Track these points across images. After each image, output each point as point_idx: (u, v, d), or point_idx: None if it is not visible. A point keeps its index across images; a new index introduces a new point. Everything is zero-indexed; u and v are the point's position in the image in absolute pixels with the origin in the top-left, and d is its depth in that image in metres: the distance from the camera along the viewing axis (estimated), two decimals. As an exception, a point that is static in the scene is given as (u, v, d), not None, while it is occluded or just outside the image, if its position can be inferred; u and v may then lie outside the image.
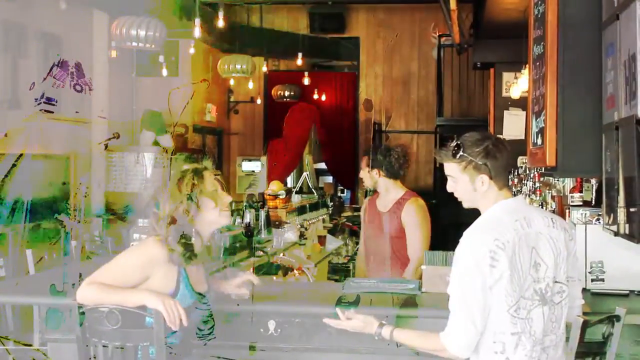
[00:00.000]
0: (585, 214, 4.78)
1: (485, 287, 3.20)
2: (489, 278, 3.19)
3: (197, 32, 8.37)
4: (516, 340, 3.23)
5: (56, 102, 10.53)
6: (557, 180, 5.91)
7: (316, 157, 16.03)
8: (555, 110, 4.58)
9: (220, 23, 9.05)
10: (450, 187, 3.53)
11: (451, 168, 3.47)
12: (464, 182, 3.44)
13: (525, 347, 3.23)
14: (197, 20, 8.28)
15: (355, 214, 13.09)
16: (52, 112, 10.36)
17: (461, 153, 3.39)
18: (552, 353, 3.31)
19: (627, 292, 4.43)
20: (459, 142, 3.42)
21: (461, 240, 3.33)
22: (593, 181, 5.30)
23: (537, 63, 5.02)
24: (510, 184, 7.12)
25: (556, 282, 3.32)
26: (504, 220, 3.32)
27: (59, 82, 10.54)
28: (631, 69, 3.77)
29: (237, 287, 4.08)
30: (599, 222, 4.56)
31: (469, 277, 3.24)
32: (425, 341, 3.41)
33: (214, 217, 3.79)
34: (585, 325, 3.36)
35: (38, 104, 10.23)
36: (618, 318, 3.57)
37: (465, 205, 3.53)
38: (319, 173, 16.39)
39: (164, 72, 10.86)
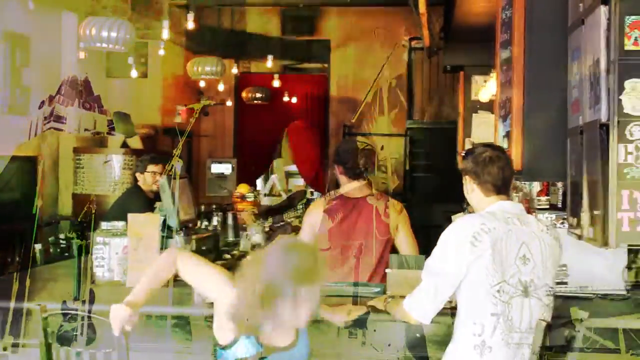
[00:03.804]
0: (551, 217, 4.80)
1: (460, 264, 3.40)
2: (469, 255, 3.38)
3: (166, 33, 8.33)
4: (494, 322, 3.37)
5: (65, 120, 10.53)
6: (524, 184, 5.93)
7: (286, 159, 16.01)
8: (521, 114, 4.60)
9: (191, 25, 9.00)
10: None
11: None
12: (464, 183, 3.74)
13: (502, 331, 3.38)
14: (166, 22, 8.24)
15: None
16: (62, 130, 10.37)
17: (462, 155, 3.70)
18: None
19: (591, 295, 4.46)
20: (466, 149, 3.84)
21: (451, 224, 3.59)
22: (560, 185, 5.32)
23: (504, 67, 5.04)
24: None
25: (546, 284, 3.51)
26: (496, 214, 3.52)
27: (68, 100, 10.54)
28: (595, 73, 3.80)
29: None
30: (564, 226, 4.58)
31: (444, 250, 3.48)
32: (397, 308, 3.64)
33: None
34: (548, 328, 3.38)
35: (47, 122, 10.23)
36: (580, 321, 3.60)
37: (472, 208, 3.81)
38: (288, 175, 16.37)
39: (134, 73, 10.79)
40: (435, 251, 3.52)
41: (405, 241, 5.27)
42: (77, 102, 11.02)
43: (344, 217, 5.28)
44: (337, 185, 5.51)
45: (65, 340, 3.59)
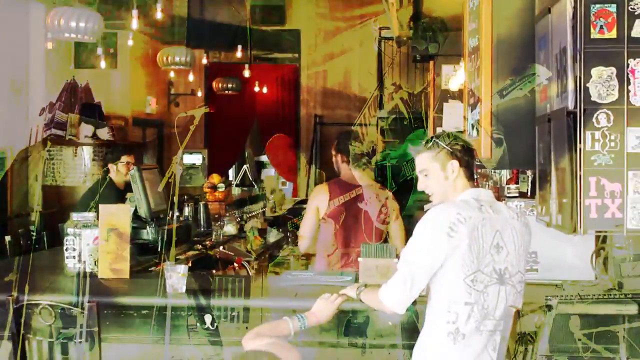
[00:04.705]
0: (520, 205, 4.82)
1: (436, 255, 3.38)
2: (446, 246, 3.35)
3: (135, 23, 8.27)
4: (469, 311, 3.38)
5: (66, 126, 10.51)
6: (494, 172, 5.97)
7: (257, 149, 15.99)
8: (489, 102, 4.62)
9: (159, 15, 8.94)
10: (421, 184, 3.69)
11: (422, 160, 3.64)
12: (435, 171, 3.60)
13: (476, 319, 3.39)
14: (135, 12, 8.19)
15: (297, 206, 13.06)
16: (63, 137, 10.37)
17: (434, 141, 3.59)
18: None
19: (560, 282, 4.49)
20: (431, 136, 3.65)
21: (426, 214, 3.51)
22: (529, 173, 5.36)
23: (472, 56, 5.06)
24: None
25: (519, 271, 3.51)
26: (470, 203, 3.49)
27: (68, 106, 10.47)
28: (562, 62, 3.83)
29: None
30: (533, 213, 4.62)
31: (421, 241, 3.44)
32: (371, 297, 3.65)
33: None
34: (518, 315, 3.41)
35: (48, 129, 10.20)
36: (550, 308, 3.63)
37: (436, 200, 3.66)
38: (260, 165, 16.36)
39: (102, 64, 10.72)
40: (412, 241, 3.49)
41: (398, 229, 5.61)
42: (78, 109, 11.02)
43: (347, 217, 5.56)
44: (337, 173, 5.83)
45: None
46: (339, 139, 5.79)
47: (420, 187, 3.69)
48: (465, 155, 3.59)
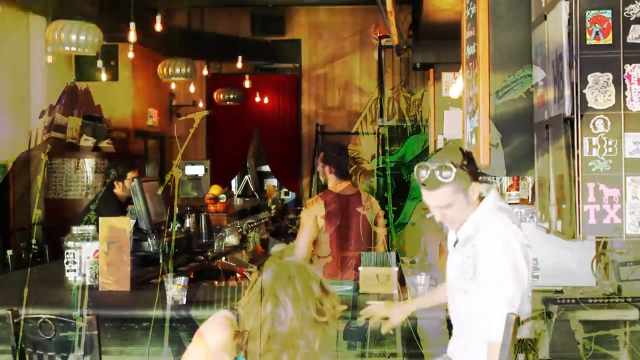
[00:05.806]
0: (521, 212, 4.83)
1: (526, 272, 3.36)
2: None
3: (133, 36, 8.30)
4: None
5: (66, 129, 10.51)
6: (494, 179, 5.98)
7: (259, 159, 16.00)
8: (487, 109, 4.63)
9: (159, 27, 8.96)
10: (439, 217, 3.56)
11: (444, 195, 3.47)
12: (460, 201, 3.49)
13: None
14: (132, 25, 8.21)
15: (299, 216, 13.05)
16: (63, 140, 10.38)
17: (455, 171, 3.41)
18: None
19: (561, 288, 4.50)
20: (444, 164, 3.41)
21: (497, 232, 3.39)
22: (529, 179, 5.37)
23: (470, 63, 5.07)
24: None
25: None
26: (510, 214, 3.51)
27: (68, 110, 10.48)
28: (558, 68, 3.84)
29: None
30: (534, 220, 4.62)
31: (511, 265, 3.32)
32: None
33: None
34: (517, 322, 3.40)
35: (47, 132, 10.20)
36: (550, 314, 3.63)
37: (455, 224, 3.57)
38: (262, 175, 16.36)
39: (103, 76, 10.74)
40: (502, 269, 3.34)
41: (382, 235, 5.75)
42: (78, 112, 11.04)
43: (341, 222, 5.67)
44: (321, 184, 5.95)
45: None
46: (325, 151, 5.87)
47: (438, 219, 3.58)
48: (476, 169, 3.56)
